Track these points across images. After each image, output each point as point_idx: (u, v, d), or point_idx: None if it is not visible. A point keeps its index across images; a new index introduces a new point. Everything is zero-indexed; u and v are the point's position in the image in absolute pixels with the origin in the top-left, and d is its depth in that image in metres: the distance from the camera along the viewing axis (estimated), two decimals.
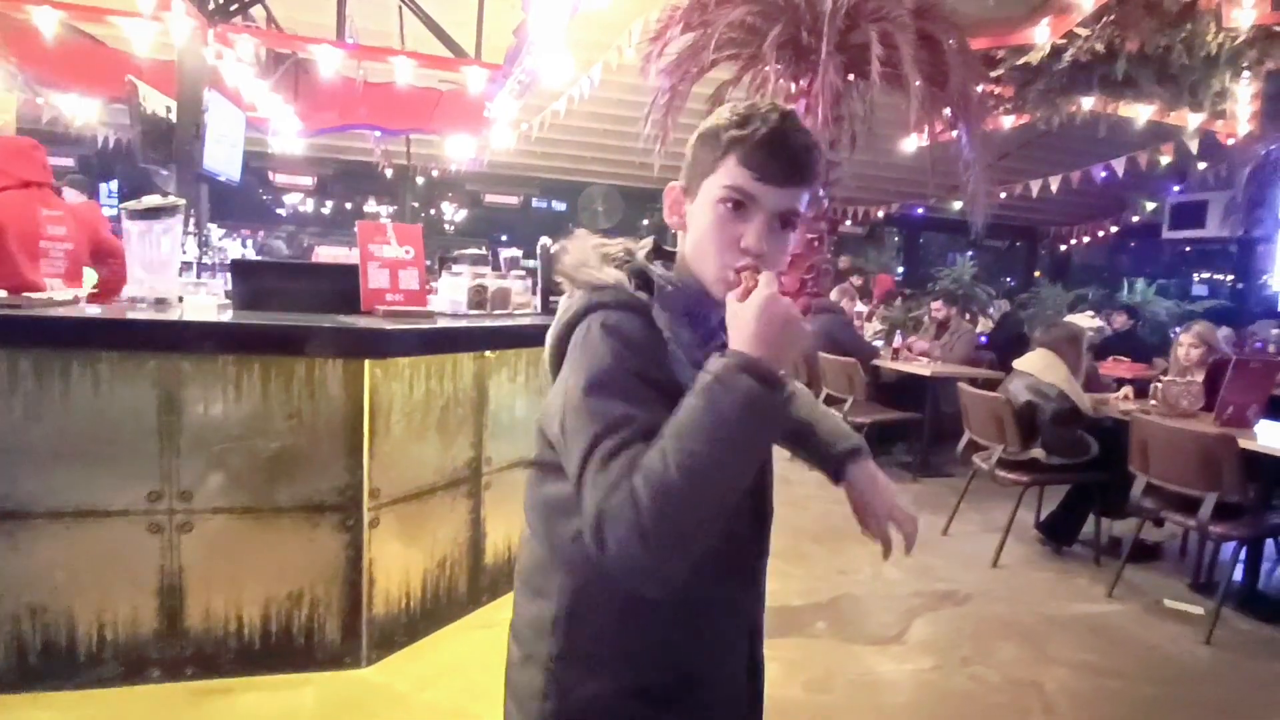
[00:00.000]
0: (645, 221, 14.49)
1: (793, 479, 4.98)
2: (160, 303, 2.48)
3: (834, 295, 6.08)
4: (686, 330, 0.88)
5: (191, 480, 2.20)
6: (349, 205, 16.13)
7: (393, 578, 2.47)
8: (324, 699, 2.23)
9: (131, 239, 2.54)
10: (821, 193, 6.18)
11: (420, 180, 12.88)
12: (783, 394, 0.77)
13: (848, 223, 12.64)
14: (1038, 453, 3.64)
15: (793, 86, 6.08)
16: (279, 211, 18.49)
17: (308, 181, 13.61)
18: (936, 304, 6.10)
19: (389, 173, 11.77)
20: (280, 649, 2.31)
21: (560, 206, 15.16)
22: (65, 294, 2.73)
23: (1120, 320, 6.77)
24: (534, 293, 3.22)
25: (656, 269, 0.91)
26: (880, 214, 13.09)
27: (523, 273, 3.44)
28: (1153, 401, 3.69)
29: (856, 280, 8.22)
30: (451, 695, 2.26)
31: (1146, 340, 6.93)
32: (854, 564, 3.56)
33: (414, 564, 2.55)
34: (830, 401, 5.22)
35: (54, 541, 2.11)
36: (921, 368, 5.17)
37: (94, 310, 2.41)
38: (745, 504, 0.92)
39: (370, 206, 14.85)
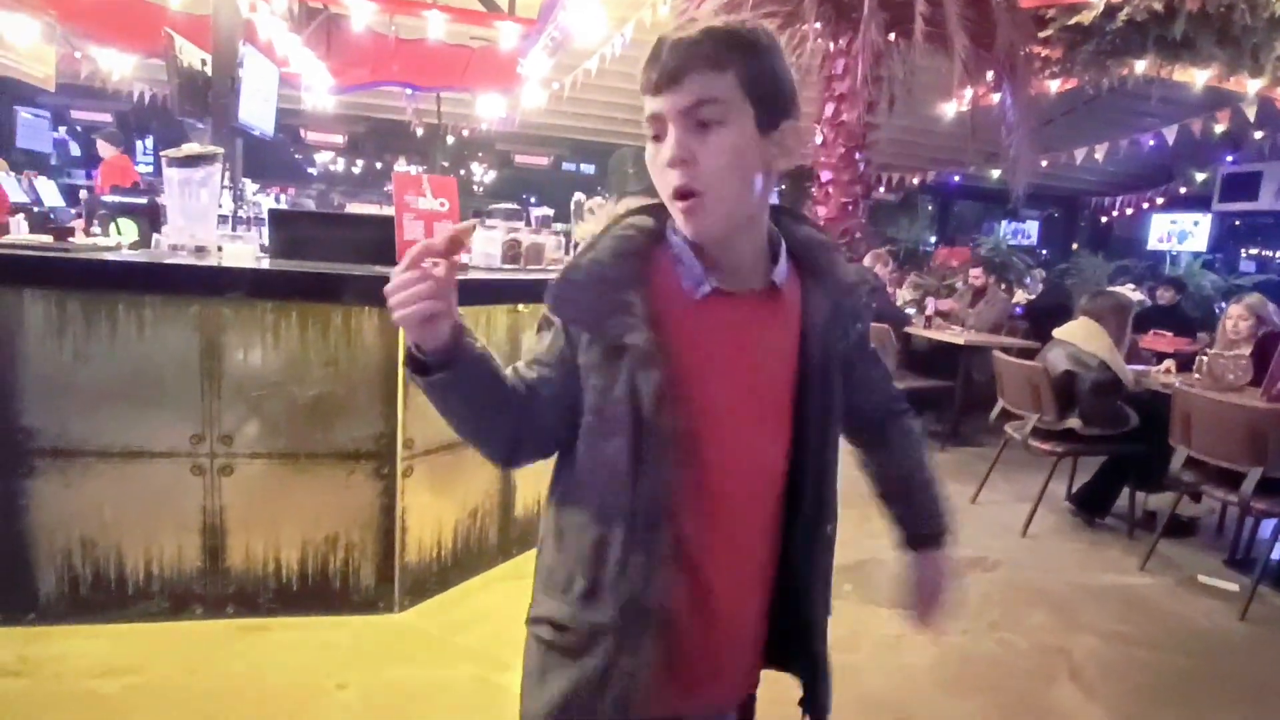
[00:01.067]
0: None
1: None
2: (200, 250, 2.51)
3: (868, 261, 5.98)
4: (675, 276, 0.87)
5: (232, 425, 2.25)
6: (379, 165, 16.15)
7: (425, 526, 2.51)
8: (359, 639, 2.29)
9: (172, 187, 2.57)
10: (858, 156, 6.04)
11: (451, 140, 12.83)
12: (429, 375, 0.79)
13: (881, 189, 12.38)
14: (1074, 423, 3.57)
15: (831, 46, 5.92)
16: (310, 170, 18.58)
17: (339, 139, 13.65)
18: (976, 271, 5.98)
19: (420, 131, 11.74)
20: (317, 591, 2.37)
21: (589, 169, 15.04)
22: (108, 241, 2.77)
23: (1167, 295, 6.58)
24: (567, 250, 3.20)
25: (646, 219, 0.90)
26: (915, 181, 12.80)
27: (556, 230, 3.42)
28: (1197, 375, 3.60)
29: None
30: (483, 641, 2.30)
31: (1190, 315, 6.74)
32: (882, 528, 3.53)
33: (446, 514, 2.59)
34: None
35: (102, 479, 2.17)
36: (954, 336, 5.09)
37: (138, 255, 2.44)
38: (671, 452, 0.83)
39: (401, 165, 14.85)
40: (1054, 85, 7.10)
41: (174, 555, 2.25)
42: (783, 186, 14.45)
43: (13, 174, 5.65)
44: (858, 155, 6.05)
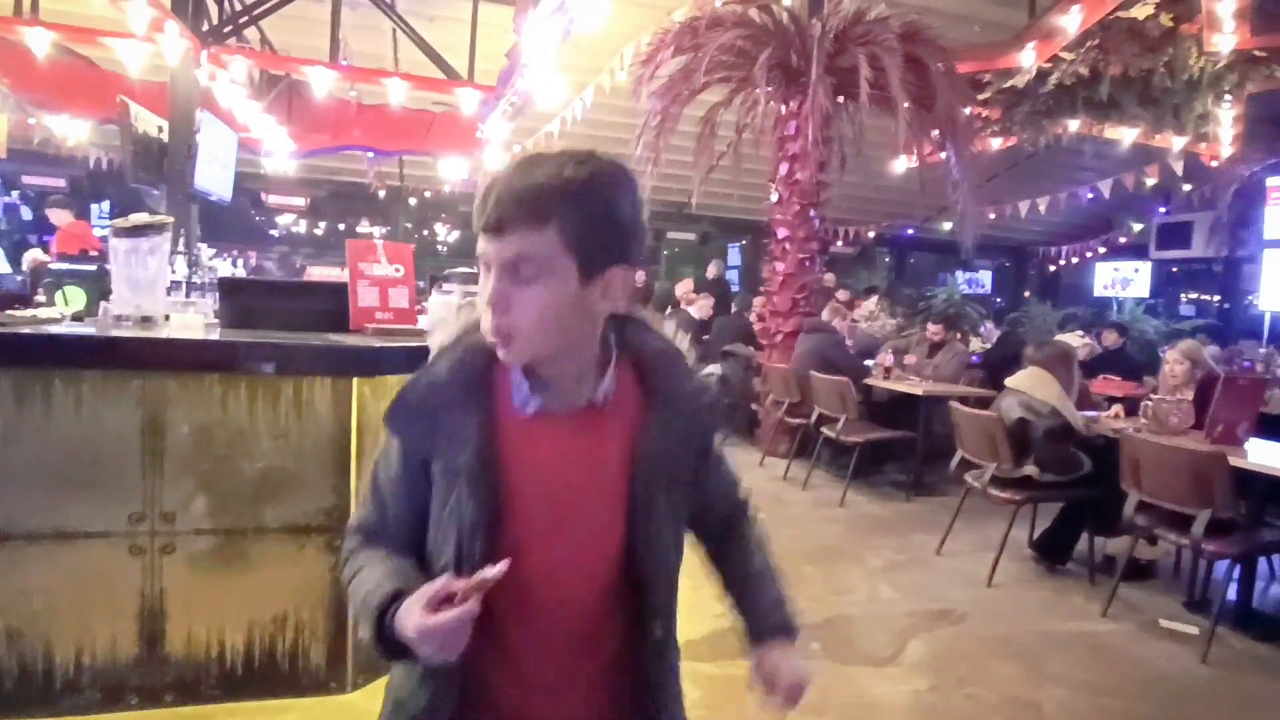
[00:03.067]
0: None
1: (786, 498, 4.98)
2: (146, 320, 2.45)
3: (825, 314, 6.10)
4: (508, 393, 0.90)
5: (175, 501, 2.17)
6: (341, 226, 16.11)
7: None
8: None
9: (118, 256, 2.52)
10: (812, 213, 6.21)
11: (413, 201, 12.91)
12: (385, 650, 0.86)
13: (838, 243, 12.73)
14: (1030, 470, 3.63)
15: (783, 108, 6.13)
16: (271, 233, 18.45)
17: (300, 202, 13.62)
18: (935, 327, 6.12)
19: (382, 194, 11.80)
20: (264, 674, 2.26)
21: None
22: (51, 311, 2.70)
23: (1111, 338, 6.81)
24: None
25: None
26: (871, 234, 13.19)
27: None
28: (1143, 419, 3.70)
29: (842, 295, 8.26)
30: None
31: (1136, 359, 6.97)
32: (849, 584, 3.53)
33: None
34: (822, 421, 5.21)
35: (32, 564, 2.06)
36: (913, 386, 5.17)
37: (78, 328, 2.38)
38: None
39: (363, 227, 14.85)
40: (995, 143, 7.45)
41: (108, 643, 2.13)
42: (743, 242, 14.77)
43: None
44: (812, 212, 6.21)
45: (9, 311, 2.47)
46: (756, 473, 5.64)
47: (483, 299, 0.85)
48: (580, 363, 0.90)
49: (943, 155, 6.37)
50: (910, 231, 13.55)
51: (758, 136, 6.55)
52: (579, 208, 0.82)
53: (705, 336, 7.75)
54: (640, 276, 0.92)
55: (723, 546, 1.12)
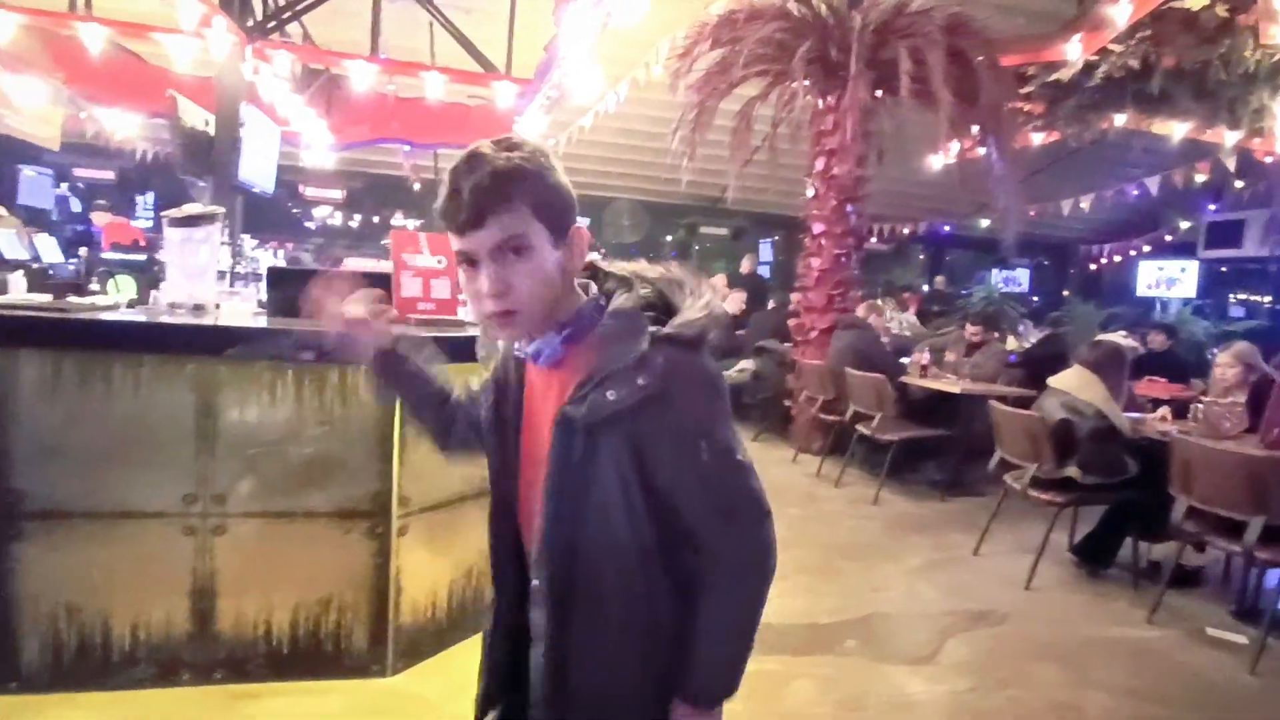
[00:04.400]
0: (669, 237, 14.54)
1: (819, 495, 4.94)
2: (198, 308, 2.52)
3: (861, 311, 6.03)
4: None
5: (226, 484, 2.22)
6: (376, 219, 16.32)
7: (420, 586, 2.47)
8: (351, 707, 2.22)
9: (172, 245, 2.59)
10: (849, 208, 6.14)
11: None
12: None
13: (873, 240, 12.57)
14: (1073, 472, 3.55)
15: (820, 103, 6.06)
16: (308, 225, 18.77)
17: (337, 195, 13.83)
18: (974, 328, 6.02)
19: (417, 187, 11.91)
20: (308, 655, 2.31)
21: (584, 221, 15.21)
22: (106, 299, 2.78)
23: (1159, 340, 6.63)
24: None
25: None
26: (907, 231, 13.01)
27: None
28: (1193, 423, 3.60)
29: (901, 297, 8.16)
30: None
31: (1183, 360, 6.77)
32: (886, 581, 3.50)
33: (441, 573, 2.54)
34: (857, 418, 5.16)
35: (91, 541, 2.13)
36: (951, 385, 5.09)
37: (135, 314, 2.45)
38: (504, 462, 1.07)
39: (398, 220, 15.03)
40: (1038, 138, 7.28)
41: (162, 620, 2.19)
42: (776, 238, 14.66)
43: (13, 230, 5.70)
44: (849, 208, 6.14)
45: (69, 299, 2.55)
46: (789, 469, 5.60)
47: (478, 289, 0.93)
48: (554, 324, 0.98)
49: (983, 151, 6.26)
50: (947, 229, 13.34)
51: (794, 131, 6.48)
52: (534, 183, 0.92)
53: (739, 332, 7.72)
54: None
55: (691, 579, 1.01)
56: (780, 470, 5.55)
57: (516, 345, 1.03)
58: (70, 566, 2.12)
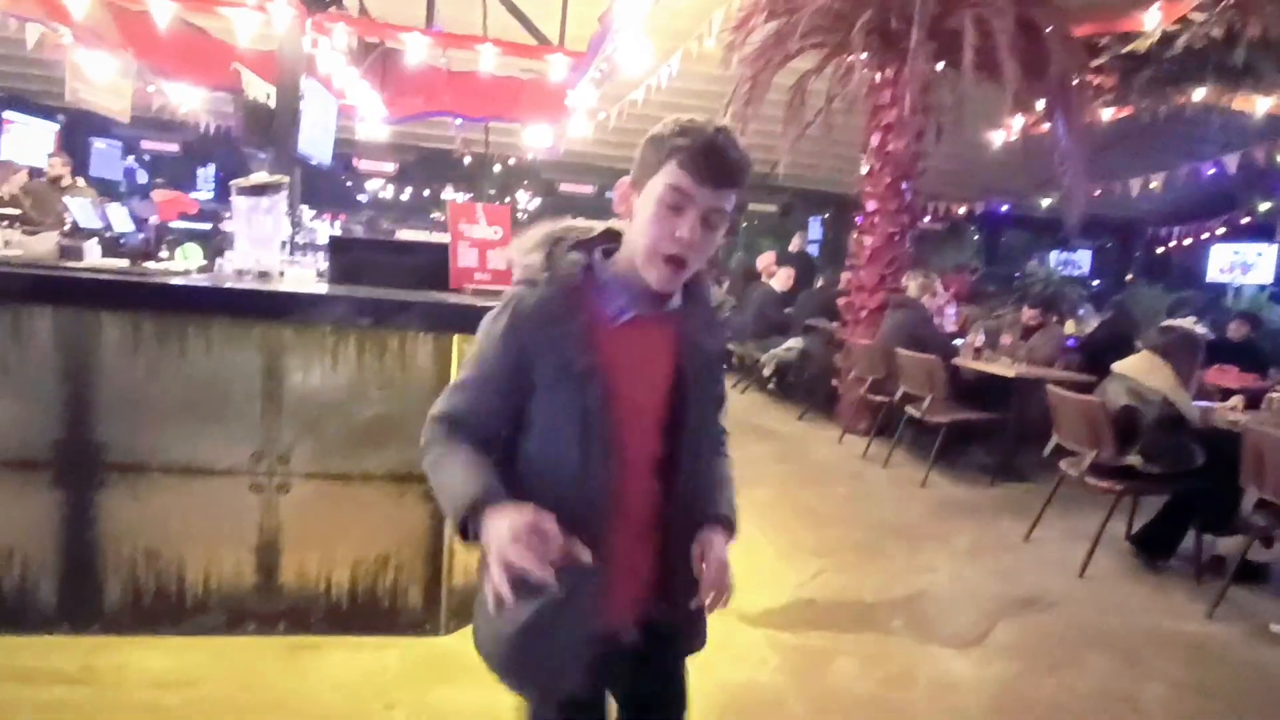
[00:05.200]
0: None
1: (866, 476, 4.90)
2: (263, 275, 2.60)
3: (914, 290, 5.90)
4: (600, 303, 1.10)
5: (290, 444, 2.31)
6: (427, 192, 16.54)
7: (472, 550, 2.52)
8: (406, 661, 2.30)
9: (240, 214, 2.67)
10: (904, 185, 5.99)
11: (497, 168, 13.13)
12: (464, 532, 1.03)
13: (927, 218, 12.25)
14: (1134, 460, 3.44)
15: (878, 76, 5.90)
16: (359, 198, 19.13)
17: (389, 168, 14.04)
18: (1031, 312, 5.84)
19: (467, 160, 12.04)
20: (365, 611, 2.40)
21: None
22: (177, 265, 2.89)
23: (1242, 330, 6.32)
24: None
25: (571, 255, 1.12)
26: (962, 210, 12.64)
27: None
28: (1266, 413, 3.45)
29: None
30: None
31: (1261, 350, 6.45)
32: (932, 563, 3.46)
33: None
34: (907, 399, 5.08)
35: (167, 494, 2.24)
36: (1005, 368, 4.97)
37: (206, 279, 2.54)
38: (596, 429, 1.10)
39: (448, 193, 15.21)
40: (1108, 113, 6.97)
41: (231, 571, 2.30)
42: (826, 215, 14.41)
43: (88, 200, 5.95)
44: (904, 185, 5.99)
45: (144, 264, 2.66)
46: (835, 449, 5.55)
47: (673, 231, 1.06)
48: None
49: (1049, 126, 6.03)
50: (1005, 208, 12.92)
51: (850, 105, 6.34)
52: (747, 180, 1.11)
53: (786, 310, 7.64)
54: None
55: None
56: (826, 450, 5.51)
57: (615, 308, 1.11)
58: (148, 516, 2.23)
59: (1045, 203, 10.82)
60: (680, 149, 1.05)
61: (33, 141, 9.67)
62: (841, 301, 6.40)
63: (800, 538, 3.62)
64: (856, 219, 6.36)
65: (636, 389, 1.12)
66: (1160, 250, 13.59)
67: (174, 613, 2.26)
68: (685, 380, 1.15)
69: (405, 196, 18.13)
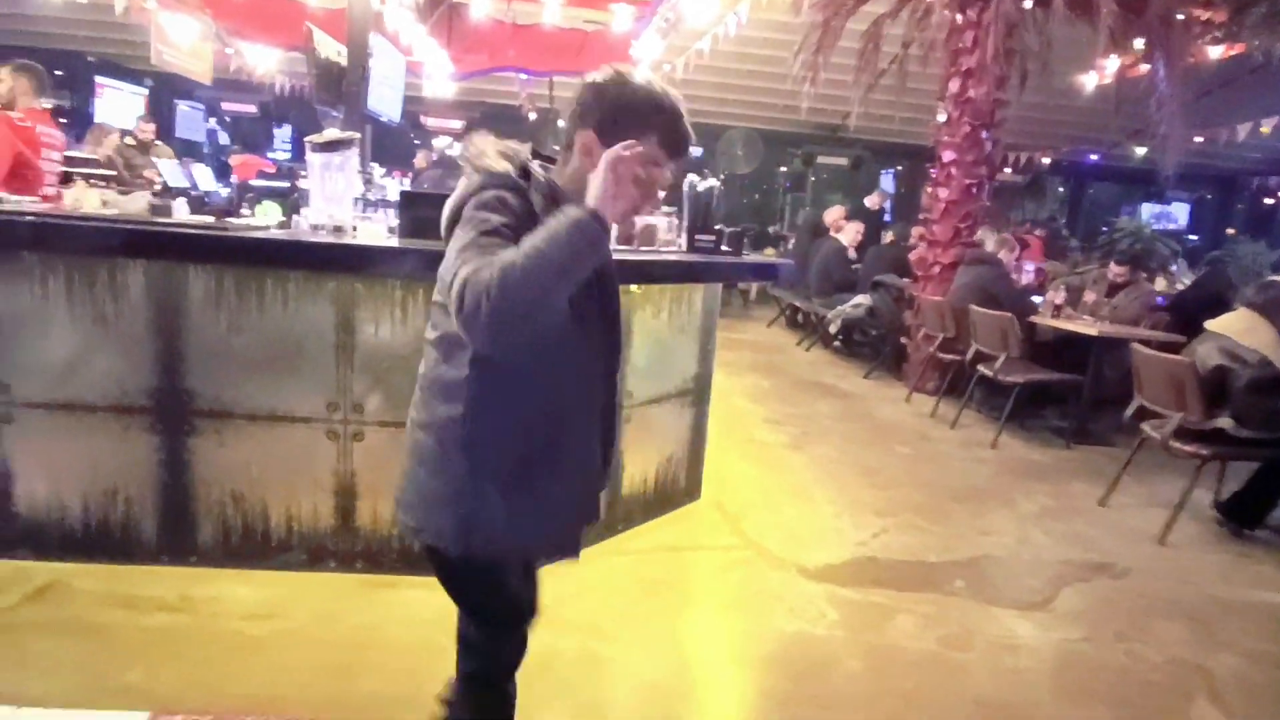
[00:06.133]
0: (784, 168, 14.03)
1: (932, 436, 4.80)
2: (337, 229, 2.68)
3: (991, 245, 5.66)
4: (547, 213, 1.14)
5: (363, 394, 2.41)
6: None
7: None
8: None
9: (314, 170, 2.75)
10: (984, 135, 5.70)
11: (561, 123, 13.05)
12: (602, 227, 1.07)
13: (1007, 170, 11.64)
14: (1225, 423, 3.26)
15: (959, 17, 5.58)
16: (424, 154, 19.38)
17: (456, 124, 14.16)
18: (1120, 269, 5.53)
19: (533, 116, 12.01)
20: None
21: (698, 151, 14.97)
22: (258, 221, 3.00)
23: None
24: (680, 232, 3.21)
25: (535, 166, 1.25)
26: (1045, 161, 11.95)
27: (667, 211, 3.43)
28: None
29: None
30: (586, 613, 2.38)
31: None
32: (998, 526, 3.39)
33: None
34: (979, 358, 4.92)
35: (251, 440, 2.38)
36: (1086, 326, 4.74)
37: (284, 234, 2.65)
38: (596, 326, 1.30)
39: None
40: (1215, 52, 6.42)
41: (310, 512, 2.44)
42: (898, 169, 13.85)
43: (175, 161, 6.24)
44: (985, 134, 5.70)
45: (229, 219, 2.78)
46: (901, 408, 5.44)
47: (662, 181, 1.23)
48: None
49: (1147, 68, 5.60)
50: (1093, 158, 12.16)
51: (927, 51, 6.03)
52: None
53: (854, 266, 7.46)
54: None
55: None
56: (892, 409, 5.41)
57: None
58: (235, 460, 2.38)
59: (1139, 152, 10.12)
60: (658, 126, 1.19)
61: (124, 105, 10.15)
62: (913, 256, 6.19)
63: (862, 496, 3.59)
64: (930, 171, 6.10)
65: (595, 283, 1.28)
66: (1268, 202, 12.59)
67: (260, 549, 2.42)
68: (613, 278, 1.34)
69: None
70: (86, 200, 2.95)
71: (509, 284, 1.01)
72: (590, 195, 1.09)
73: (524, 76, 9.18)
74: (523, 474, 1.25)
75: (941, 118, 5.88)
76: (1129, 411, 3.73)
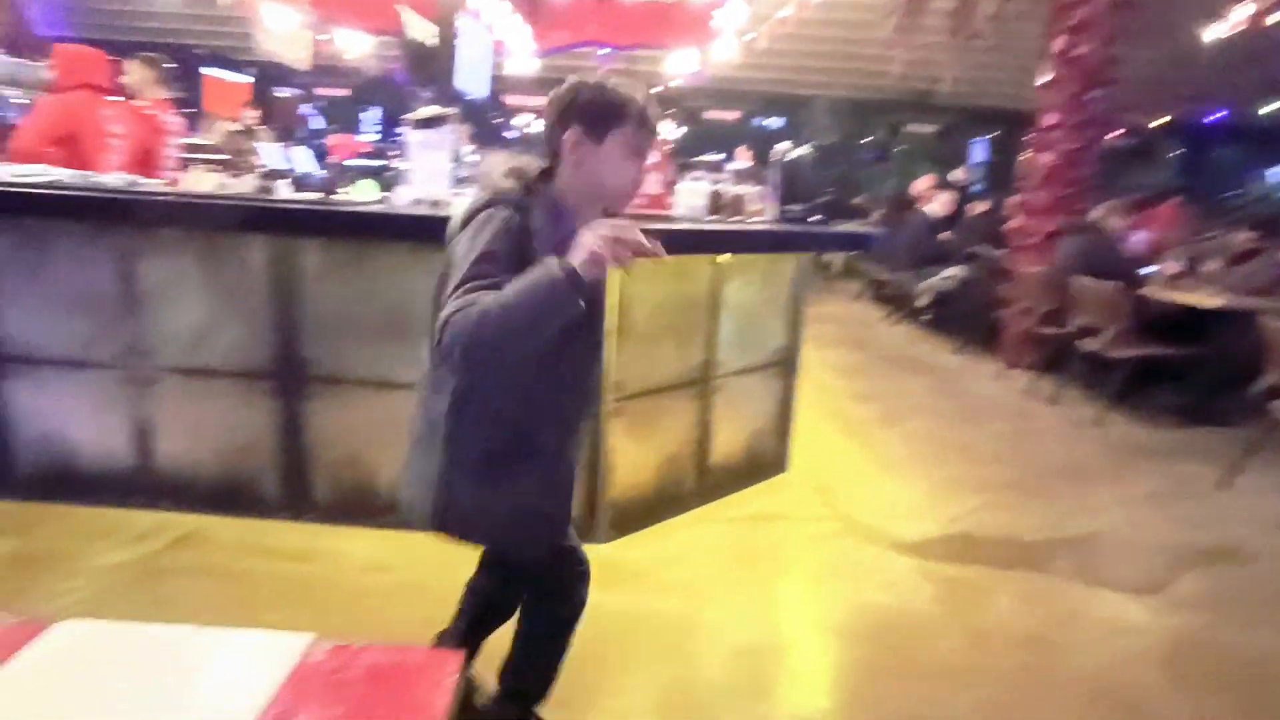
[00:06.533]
0: (869, 138, 13.58)
1: (1030, 413, 4.60)
2: (435, 204, 2.77)
3: (1099, 212, 5.32)
4: (549, 229, 1.27)
5: None
6: None
7: (628, 465, 2.65)
8: None
9: (412, 147, 2.84)
10: (1093, 95, 5.34)
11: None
12: (575, 286, 1.13)
13: (1113, 133, 10.89)
14: None
15: None
16: (506, 135, 19.71)
17: (538, 102, 14.29)
18: (1247, 235, 5.12)
19: None
20: None
21: (779, 123, 14.64)
22: (359, 197, 3.14)
23: None
24: (774, 200, 3.16)
25: (541, 185, 1.33)
26: (1156, 123, 11.13)
27: (755, 182, 3.39)
28: None
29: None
30: (683, 574, 2.42)
31: None
32: (1104, 506, 3.23)
33: (648, 456, 2.72)
34: (1083, 332, 4.66)
35: (361, 405, 2.52)
36: (1209, 298, 4.42)
37: (388, 209, 2.76)
38: (579, 344, 1.37)
39: None
40: None
41: None
42: (993, 135, 13.17)
43: (276, 145, 6.56)
44: (1091, 95, 5.35)
45: (334, 196, 2.92)
46: (996, 385, 5.23)
47: (638, 180, 1.41)
48: None
49: None
50: (1212, 119, 11.24)
51: (1031, 6, 5.69)
52: None
53: (943, 237, 7.18)
54: None
55: None
56: (986, 385, 5.21)
57: (566, 229, 1.27)
58: (348, 424, 2.52)
59: (1265, 111, 9.30)
60: (633, 115, 1.31)
61: (229, 94, 10.72)
62: (1010, 226, 5.90)
63: (957, 473, 3.49)
64: (1029, 137, 5.78)
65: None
66: None
67: (371, 508, 2.56)
68: (600, 300, 1.48)
69: None
70: (204, 183, 3.15)
71: (483, 332, 1.13)
72: (576, 253, 1.14)
73: (604, 51, 9.18)
74: (494, 468, 1.37)
75: (1044, 78, 5.55)
76: (1257, 389, 3.47)
